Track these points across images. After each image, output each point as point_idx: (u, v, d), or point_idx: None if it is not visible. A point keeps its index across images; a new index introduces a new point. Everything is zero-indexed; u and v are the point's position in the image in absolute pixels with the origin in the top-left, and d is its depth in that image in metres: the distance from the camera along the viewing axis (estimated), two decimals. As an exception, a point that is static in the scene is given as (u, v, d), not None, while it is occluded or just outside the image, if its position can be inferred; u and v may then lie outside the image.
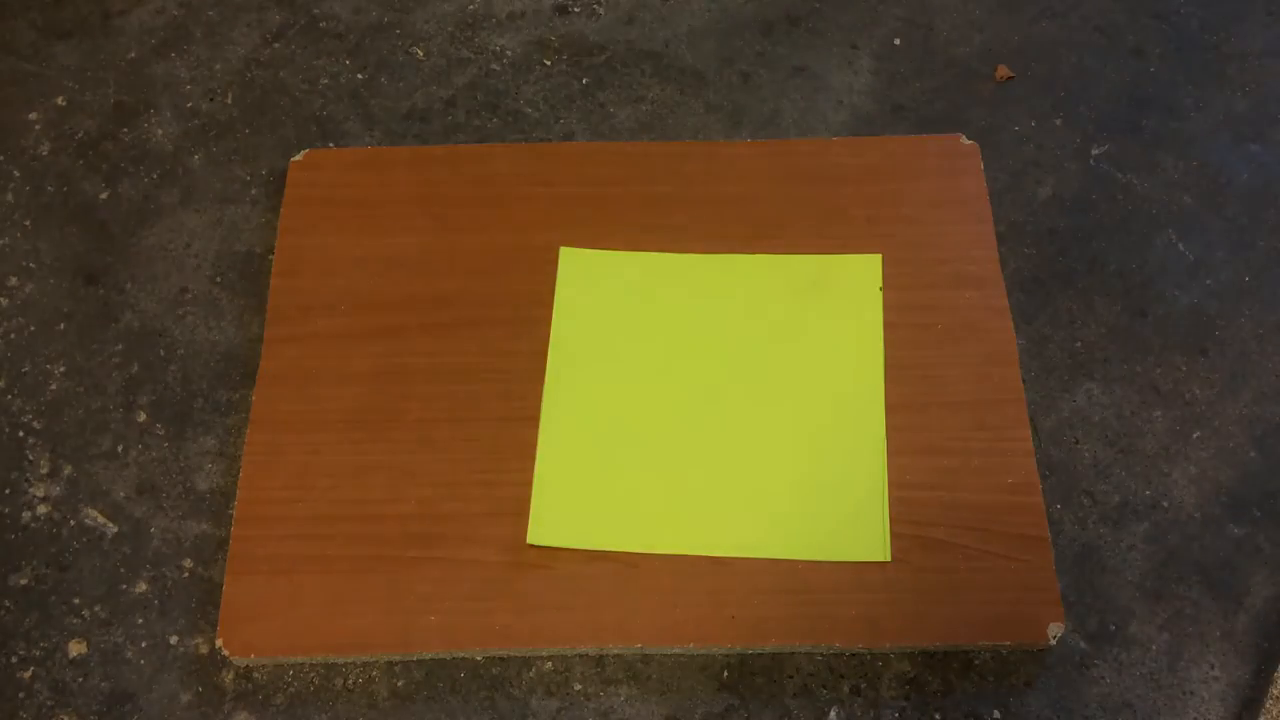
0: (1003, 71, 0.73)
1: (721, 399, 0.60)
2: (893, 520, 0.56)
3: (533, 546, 0.56)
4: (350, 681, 0.55)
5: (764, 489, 0.57)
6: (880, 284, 0.63)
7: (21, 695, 0.55)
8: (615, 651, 0.55)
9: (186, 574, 0.58)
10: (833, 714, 0.54)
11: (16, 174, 0.69)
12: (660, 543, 0.56)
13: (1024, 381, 0.61)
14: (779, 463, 0.58)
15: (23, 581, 0.57)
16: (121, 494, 0.60)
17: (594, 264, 0.64)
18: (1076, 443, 0.61)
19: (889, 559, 0.56)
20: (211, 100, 0.72)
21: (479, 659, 0.55)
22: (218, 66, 0.74)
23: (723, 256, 0.64)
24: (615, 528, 0.56)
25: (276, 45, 0.75)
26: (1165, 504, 0.59)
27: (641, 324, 0.62)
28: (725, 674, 0.55)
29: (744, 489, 0.57)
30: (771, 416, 0.59)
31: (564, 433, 0.59)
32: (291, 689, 0.55)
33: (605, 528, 0.56)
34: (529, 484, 0.58)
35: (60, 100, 0.72)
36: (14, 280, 0.66)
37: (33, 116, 0.72)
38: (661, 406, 0.60)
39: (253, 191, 0.69)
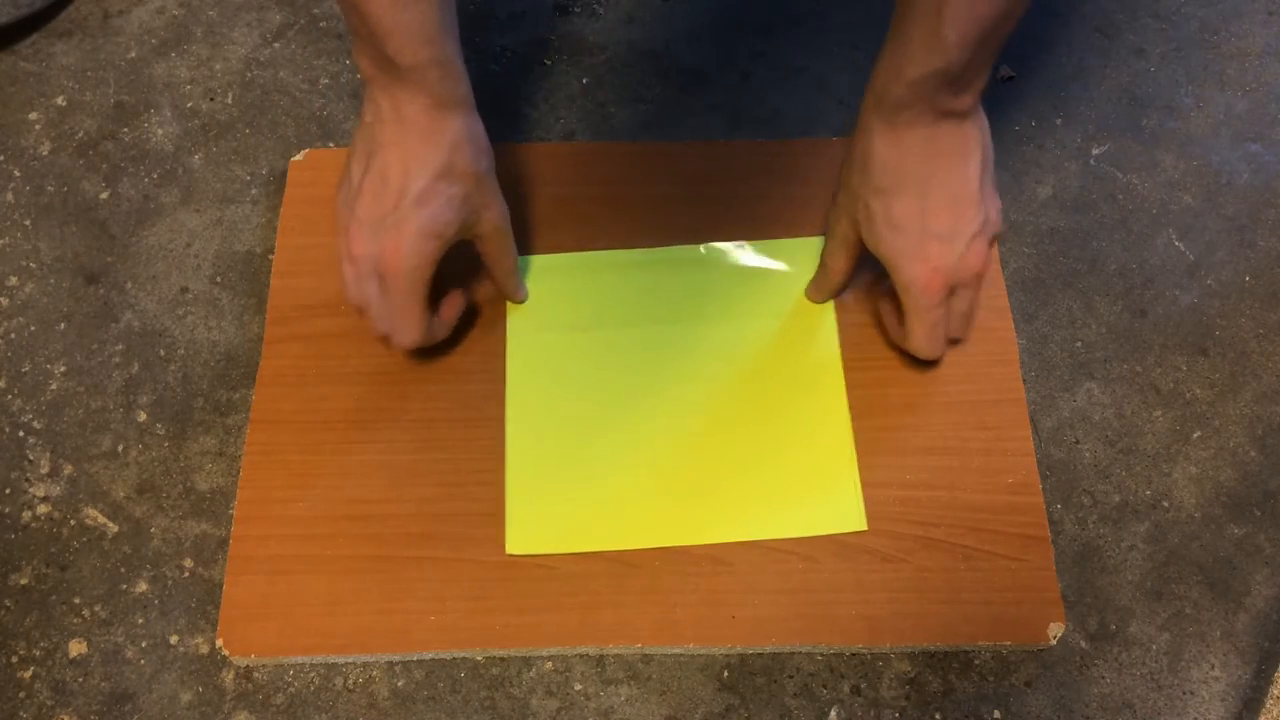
0: (1003, 71, 0.73)
1: (683, 388, 0.60)
2: (893, 520, 0.56)
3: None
4: (350, 681, 0.55)
5: (735, 472, 0.58)
6: None
7: (21, 695, 0.55)
8: (615, 651, 0.55)
9: (186, 574, 0.58)
10: (833, 714, 0.54)
11: (16, 174, 0.70)
12: (639, 538, 0.56)
13: (1024, 381, 0.61)
14: (747, 444, 0.58)
15: (23, 581, 0.57)
16: (121, 494, 0.60)
17: (536, 268, 0.64)
18: (1076, 443, 0.61)
19: (865, 528, 0.56)
20: (211, 100, 0.72)
21: (479, 659, 0.55)
22: (218, 66, 0.74)
23: (667, 249, 0.64)
24: (593, 528, 0.56)
25: (276, 45, 0.75)
26: (1165, 504, 0.59)
27: (595, 322, 0.62)
28: (725, 674, 0.55)
29: (715, 474, 0.58)
30: (735, 399, 0.60)
31: (530, 440, 0.59)
32: (291, 689, 0.55)
33: (583, 530, 0.56)
34: None
35: (60, 100, 0.72)
36: (14, 280, 0.66)
37: (33, 116, 0.72)
38: (624, 403, 0.60)
39: (253, 191, 0.69)
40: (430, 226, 0.52)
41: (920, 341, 0.56)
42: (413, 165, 0.52)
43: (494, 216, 0.56)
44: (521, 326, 0.62)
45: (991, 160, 0.53)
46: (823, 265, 0.61)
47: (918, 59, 0.48)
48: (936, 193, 0.52)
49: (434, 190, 0.52)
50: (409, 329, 0.55)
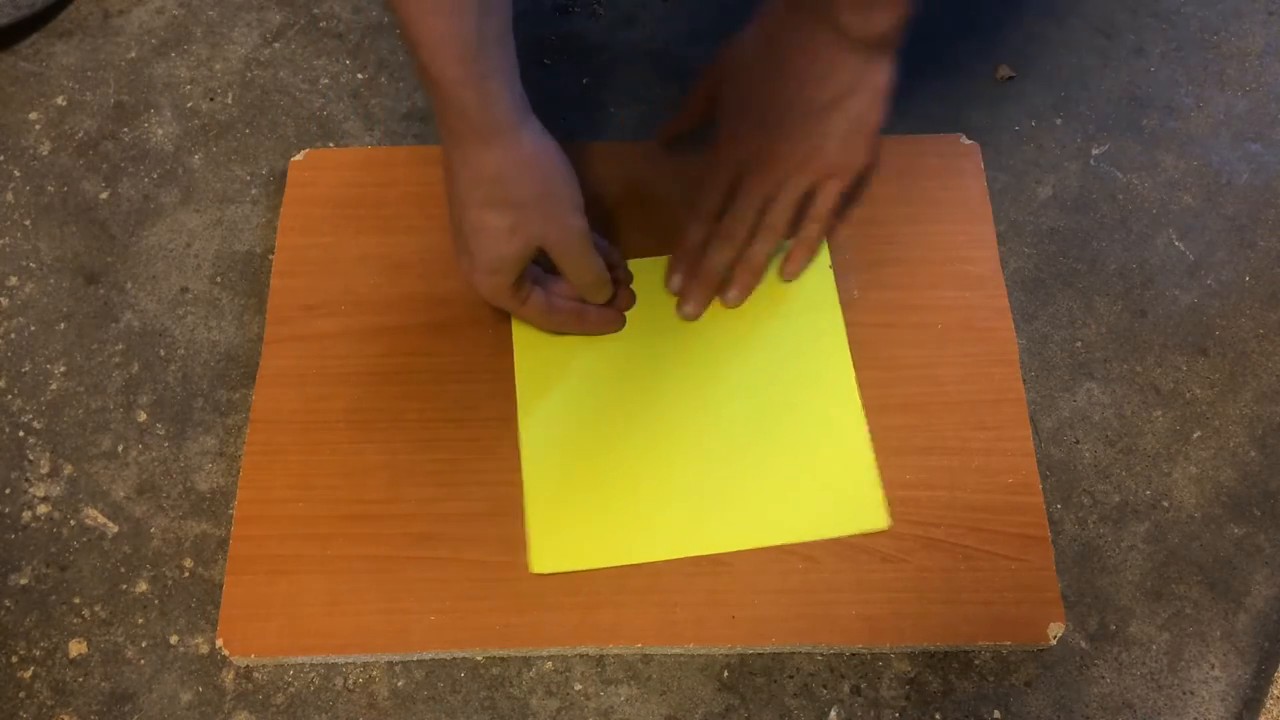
0: (1003, 71, 0.73)
1: (696, 396, 0.60)
2: (893, 520, 0.56)
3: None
4: (350, 681, 0.55)
5: (755, 478, 0.57)
6: (829, 262, 0.63)
7: (21, 695, 0.55)
8: (615, 651, 0.55)
9: (186, 574, 0.58)
10: (833, 714, 0.54)
11: (16, 174, 0.70)
12: (663, 549, 0.56)
13: (1024, 381, 0.61)
14: (764, 450, 0.58)
15: (23, 581, 0.58)
16: (121, 494, 0.60)
17: None
18: (1076, 443, 0.61)
19: (888, 525, 0.56)
20: (211, 100, 0.72)
21: (479, 659, 0.55)
22: (218, 66, 0.74)
23: (664, 258, 0.64)
24: (618, 542, 0.56)
25: (276, 45, 0.75)
26: (1165, 504, 0.59)
27: (602, 335, 0.62)
28: (725, 674, 0.55)
29: (735, 482, 0.57)
30: (748, 406, 0.59)
31: (546, 457, 0.58)
32: (291, 689, 0.55)
33: (608, 544, 0.56)
34: None
35: (60, 100, 0.72)
36: (14, 280, 0.66)
37: (33, 116, 0.72)
38: (638, 414, 0.59)
39: (253, 191, 0.69)
40: (488, 262, 0.53)
41: None
42: (464, 196, 0.52)
43: (556, 238, 0.54)
44: (529, 341, 0.62)
45: None
46: None
47: None
48: None
49: (479, 226, 0.52)
50: (541, 327, 0.60)
